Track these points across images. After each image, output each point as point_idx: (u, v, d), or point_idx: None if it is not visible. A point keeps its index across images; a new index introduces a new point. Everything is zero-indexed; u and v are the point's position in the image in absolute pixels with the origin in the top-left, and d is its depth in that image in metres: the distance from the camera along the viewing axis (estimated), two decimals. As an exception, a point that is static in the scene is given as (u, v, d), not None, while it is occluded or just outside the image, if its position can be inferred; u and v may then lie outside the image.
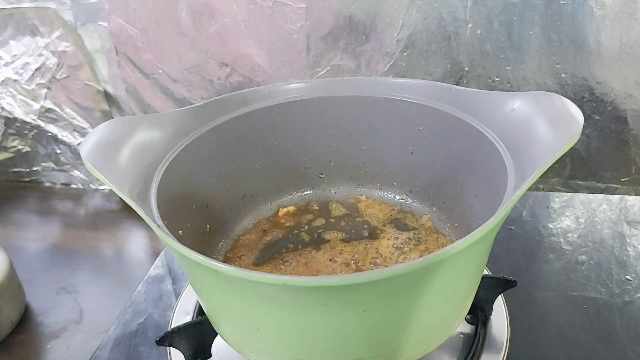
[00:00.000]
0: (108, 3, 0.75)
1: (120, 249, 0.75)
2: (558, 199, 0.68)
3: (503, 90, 0.47)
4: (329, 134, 0.57)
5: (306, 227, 0.56)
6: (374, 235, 0.55)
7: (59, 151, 0.92)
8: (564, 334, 0.48)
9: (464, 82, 0.69)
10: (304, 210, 0.59)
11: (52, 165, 0.94)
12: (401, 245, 0.53)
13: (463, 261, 0.34)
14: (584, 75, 0.65)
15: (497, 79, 0.68)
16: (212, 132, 0.50)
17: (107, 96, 0.84)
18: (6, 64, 0.84)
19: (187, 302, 0.52)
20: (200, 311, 0.50)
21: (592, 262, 0.57)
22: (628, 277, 0.54)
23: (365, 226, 0.56)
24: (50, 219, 0.85)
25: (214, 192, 0.52)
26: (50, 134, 0.90)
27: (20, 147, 0.93)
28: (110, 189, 0.38)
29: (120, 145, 0.42)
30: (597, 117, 0.67)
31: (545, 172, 0.34)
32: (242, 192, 0.56)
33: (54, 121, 0.89)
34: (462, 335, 0.46)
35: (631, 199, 0.66)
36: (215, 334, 0.43)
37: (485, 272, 0.52)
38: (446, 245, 0.30)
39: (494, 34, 0.65)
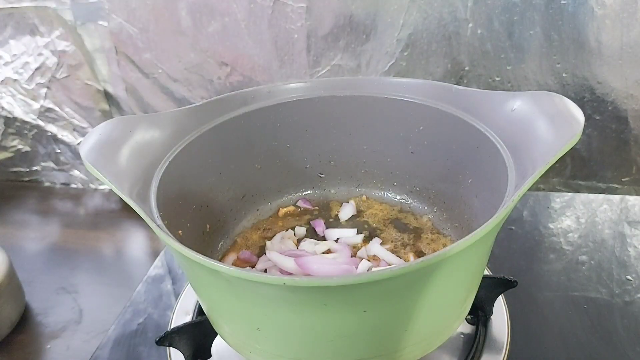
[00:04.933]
0: (108, 2, 0.75)
1: (120, 249, 0.75)
2: (559, 199, 0.68)
3: (504, 90, 0.47)
4: (329, 134, 0.57)
5: (306, 227, 0.56)
6: (374, 235, 0.55)
7: (58, 151, 0.92)
8: (565, 334, 0.48)
9: (465, 81, 0.69)
10: (304, 210, 0.59)
11: (51, 164, 0.94)
12: (401, 246, 0.53)
13: (463, 261, 0.34)
14: (584, 75, 0.65)
15: (497, 78, 0.68)
16: (212, 132, 0.50)
17: (107, 96, 0.84)
18: (6, 64, 0.84)
19: (187, 302, 0.52)
20: (200, 311, 0.50)
21: (592, 262, 0.57)
22: (629, 277, 0.54)
23: (365, 226, 0.56)
24: (50, 219, 0.85)
25: (214, 192, 0.52)
26: (50, 133, 0.90)
27: (20, 146, 0.93)
28: (110, 189, 0.38)
29: (120, 145, 0.42)
30: (597, 117, 0.67)
31: (545, 172, 0.34)
32: (242, 192, 0.56)
33: (53, 121, 0.88)
34: (462, 336, 0.46)
35: (632, 199, 0.66)
36: (215, 334, 0.43)
37: (486, 272, 0.52)
38: (447, 246, 0.30)
39: (494, 34, 0.65)
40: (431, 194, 0.55)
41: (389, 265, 0.49)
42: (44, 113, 0.88)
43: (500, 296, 0.48)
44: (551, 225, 0.63)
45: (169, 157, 0.45)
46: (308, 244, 0.52)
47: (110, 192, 0.90)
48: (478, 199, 0.47)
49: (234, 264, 0.52)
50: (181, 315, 0.50)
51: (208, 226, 0.51)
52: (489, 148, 0.43)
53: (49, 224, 0.83)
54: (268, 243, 0.54)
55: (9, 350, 0.57)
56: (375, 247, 0.52)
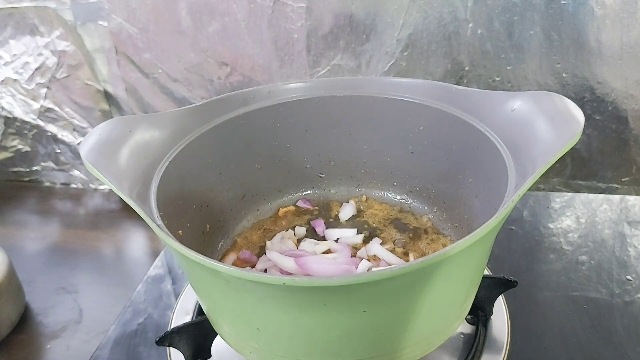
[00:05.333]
0: (108, 2, 0.75)
1: (120, 249, 0.75)
2: (559, 199, 0.68)
3: (504, 90, 0.47)
4: (329, 134, 0.57)
5: (306, 227, 0.56)
6: (374, 235, 0.55)
7: (58, 151, 0.92)
8: (565, 334, 0.48)
9: (465, 81, 0.69)
10: (304, 210, 0.59)
11: (51, 164, 0.94)
12: (401, 246, 0.53)
13: (463, 261, 0.34)
14: (584, 75, 0.65)
15: (497, 78, 0.68)
16: (212, 132, 0.50)
17: (107, 96, 0.84)
18: (6, 64, 0.84)
19: (187, 302, 0.52)
20: (200, 311, 0.50)
21: (592, 262, 0.57)
22: (629, 277, 0.54)
23: (365, 226, 0.56)
24: (50, 219, 0.85)
25: (214, 192, 0.52)
26: (50, 133, 0.90)
27: (20, 146, 0.93)
28: (110, 189, 0.38)
29: (120, 145, 0.42)
30: (597, 117, 0.67)
31: (545, 171, 0.34)
32: (242, 192, 0.56)
33: (53, 121, 0.88)
34: (462, 336, 0.46)
35: (632, 199, 0.66)
36: (215, 334, 0.43)
37: (486, 272, 0.52)
38: (447, 245, 0.30)
39: (494, 34, 0.65)
40: (431, 194, 0.55)
41: (389, 265, 0.49)
42: (44, 113, 0.88)
43: (500, 296, 0.48)
44: (551, 225, 0.63)
45: (169, 157, 0.45)
46: (308, 244, 0.52)
47: (110, 192, 0.90)
48: (478, 199, 0.47)
49: (234, 264, 0.52)
50: (181, 315, 0.50)
51: (208, 226, 0.51)
52: (489, 148, 0.43)
53: (49, 224, 0.83)
54: (268, 243, 0.54)
55: (9, 350, 0.57)
56: (375, 247, 0.52)
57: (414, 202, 0.57)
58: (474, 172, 0.47)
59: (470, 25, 0.65)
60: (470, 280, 0.38)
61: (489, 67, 0.67)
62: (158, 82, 0.80)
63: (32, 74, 0.84)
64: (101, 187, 0.93)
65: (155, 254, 0.70)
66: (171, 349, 0.46)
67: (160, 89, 0.81)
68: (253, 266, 0.51)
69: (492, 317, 0.47)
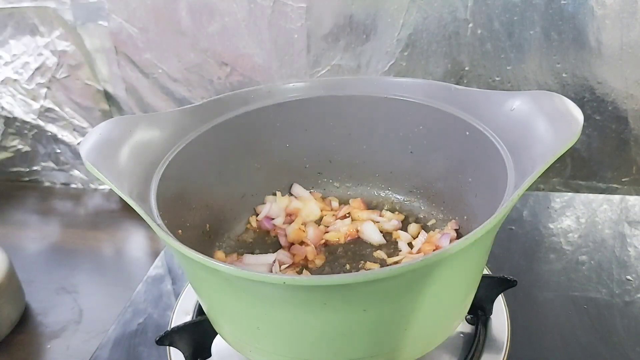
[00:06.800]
0: (108, 2, 0.75)
1: (120, 249, 0.75)
2: (559, 198, 0.68)
3: (503, 90, 0.47)
4: (329, 133, 0.57)
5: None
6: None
7: (58, 151, 0.92)
8: (564, 334, 0.48)
9: (465, 81, 0.69)
10: (304, 210, 0.59)
11: (51, 164, 0.94)
12: (401, 245, 0.53)
13: (463, 261, 0.34)
14: (584, 75, 0.65)
15: (497, 78, 0.68)
16: (212, 131, 0.50)
17: (107, 96, 0.84)
18: (6, 64, 0.84)
19: (187, 302, 0.52)
20: (200, 311, 0.50)
21: (592, 262, 0.57)
22: (629, 277, 0.54)
23: (366, 226, 0.56)
24: (50, 219, 0.85)
25: (213, 192, 0.52)
26: (50, 133, 0.90)
27: (20, 146, 0.93)
28: (110, 189, 0.38)
29: (120, 145, 0.42)
30: (597, 117, 0.67)
31: (545, 171, 0.34)
32: (242, 192, 0.56)
33: (53, 121, 0.88)
34: (462, 335, 0.46)
35: (632, 199, 0.66)
36: (215, 334, 0.43)
37: (486, 272, 0.52)
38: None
39: (494, 34, 0.65)
40: (431, 194, 0.55)
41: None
42: (44, 113, 0.88)
43: (500, 296, 0.48)
44: (551, 225, 0.63)
45: (169, 157, 0.45)
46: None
47: (110, 192, 0.90)
48: (478, 198, 0.47)
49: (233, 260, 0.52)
50: (181, 315, 0.51)
51: (208, 226, 0.52)
52: (489, 148, 0.43)
53: (49, 224, 0.83)
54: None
55: (9, 350, 0.57)
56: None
57: (414, 201, 0.57)
58: (473, 171, 0.47)
59: (470, 25, 0.65)
60: (469, 280, 0.38)
61: (489, 67, 0.67)
62: (158, 82, 0.80)
63: (32, 74, 0.84)
64: (101, 187, 0.93)
65: (155, 254, 0.70)
66: (171, 348, 0.46)
67: (160, 89, 0.81)
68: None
69: (492, 316, 0.47)
